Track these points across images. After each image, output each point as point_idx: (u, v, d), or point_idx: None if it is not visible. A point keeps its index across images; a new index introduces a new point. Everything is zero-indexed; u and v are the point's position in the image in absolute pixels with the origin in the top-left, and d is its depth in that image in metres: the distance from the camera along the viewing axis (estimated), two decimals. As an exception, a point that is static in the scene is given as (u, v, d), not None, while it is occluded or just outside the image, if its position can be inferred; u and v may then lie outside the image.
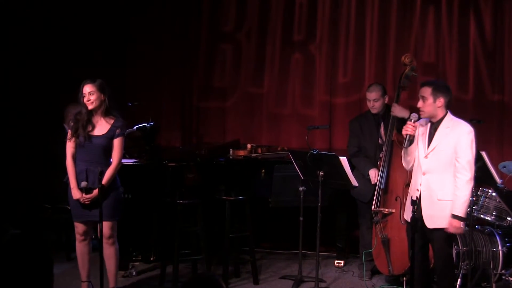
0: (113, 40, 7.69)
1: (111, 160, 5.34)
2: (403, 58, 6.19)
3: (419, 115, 4.95)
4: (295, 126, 7.39)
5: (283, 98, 7.49)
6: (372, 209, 5.98)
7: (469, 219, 5.65)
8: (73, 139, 5.29)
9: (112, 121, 5.34)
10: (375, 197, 5.98)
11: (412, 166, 5.04)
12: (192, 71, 7.74)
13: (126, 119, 7.40)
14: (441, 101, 4.88)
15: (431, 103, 4.87)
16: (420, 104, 4.92)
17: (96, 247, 5.54)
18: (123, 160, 6.25)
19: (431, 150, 4.87)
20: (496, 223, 5.86)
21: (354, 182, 5.62)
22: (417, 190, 4.91)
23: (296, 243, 6.02)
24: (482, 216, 5.85)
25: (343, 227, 6.75)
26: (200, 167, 6.44)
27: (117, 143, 5.33)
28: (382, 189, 5.95)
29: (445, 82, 5.07)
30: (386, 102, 6.29)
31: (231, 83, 7.64)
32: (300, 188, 5.81)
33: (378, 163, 6.11)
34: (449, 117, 4.93)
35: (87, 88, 5.29)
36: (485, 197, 5.85)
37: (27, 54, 7.27)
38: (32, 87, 7.31)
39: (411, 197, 4.80)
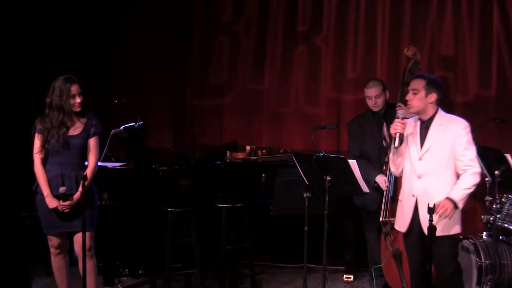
0: (98, 32, 7.65)
1: (85, 163, 5.34)
2: (405, 50, 6.24)
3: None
4: (299, 126, 7.37)
5: (286, 95, 7.47)
6: (380, 219, 5.96)
7: (493, 228, 5.61)
8: (43, 151, 5.26)
9: (85, 120, 5.34)
10: (383, 207, 5.97)
11: (402, 170, 5.05)
12: (185, 65, 7.73)
13: (111, 118, 7.45)
14: (433, 97, 4.91)
15: (422, 97, 4.91)
16: (409, 97, 4.95)
17: (74, 261, 5.53)
18: (108, 164, 6.26)
19: (426, 151, 4.91)
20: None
21: (365, 188, 5.56)
22: (413, 196, 4.93)
23: (301, 255, 5.98)
24: (506, 225, 5.83)
25: (352, 238, 6.74)
26: (194, 171, 6.42)
27: (93, 142, 5.34)
28: (390, 197, 5.93)
29: (438, 78, 5.11)
30: (387, 98, 6.28)
31: (228, 79, 7.62)
32: (305, 195, 5.76)
33: (384, 168, 6.07)
34: (441, 113, 4.97)
35: (76, 89, 5.28)
36: (510, 204, 5.83)
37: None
38: (9, 88, 7.26)
39: (428, 204, 4.75)
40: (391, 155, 5.09)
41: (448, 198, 4.79)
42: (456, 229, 4.95)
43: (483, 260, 5.62)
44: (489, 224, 5.82)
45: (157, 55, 7.70)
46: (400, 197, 5.14)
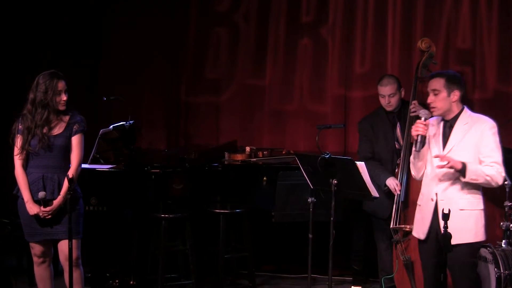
0: (84, 23, 7.69)
1: (69, 165, 5.34)
2: (419, 43, 6.24)
3: (429, 112, 4.99)
4: (303, 125, 7.39)
5: (289, 92, 7.49)
6: (391, 226, 5.98)
7: (510, 236, 5.65)
8: (24, 152, 5.28)
9: (67, 118, 5.34)
10: (393, 212, 5.98)
11: (423, 174, 5.06)
12: (179, 59, 7.75)
13: (100, 117, 7.50)
14: (456, 94, 4.91)
15: (444, 97, 4.91)
16: (431, 99, 4.95)
17: (60, 271, 5.54)
18: (96, 166, 6.27)
19: (448, 152, 4.90)
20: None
21: (374, 193, 5.59)
22: (432, 200, 4.94)
23: (305, 265, 5.99)
24: (527, 233, 5.85)
25: (360, 246, 6.76)
26: (189, 174, 6.45)
27: (76, 141, 5.33)
28: (402, 202, 5.96)
29: (457, 73, 5.12)
30: (402, 96, 6.30)
31: (226, 74, 7.64)
32: (309, 200, 5.78)
33: (396, 171, 6.11)
34: (467, 112, 4.97)
35: (62, 85, 5.29)
36: (531, 209, 5.85)
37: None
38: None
39: (442, 209, 4.79)
40: (411, 158, 5.07)
41: (463, 164, 4.77)
42: (478, 237, 4.94)
43: (502, 271, 5.63)
44: (509, 231, 5.84)
45: (148, 48, 7.72)
46: (419, 202, 5.12)
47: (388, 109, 6.31)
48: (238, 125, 7.58)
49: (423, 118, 4.92)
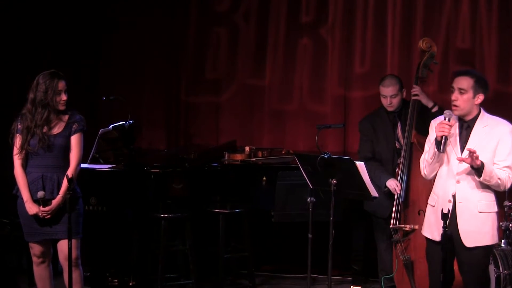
0: (85, 23, 7.69)
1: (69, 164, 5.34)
2: (420, 43, 6.23)
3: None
4: (302, 125, 7.40)
5: (289, 92, 7.49)
6: (391, 226, 5.98)
7: (510, 236, 5.65)
8: (23, 152, 5.29)
9: (66, 117, 5.35)
10: (394, 212, 5.98)
11: (435, 174, 5.02)
12: (179, 59, 7.75)
13: (100, 116, 7.50)
14: (480, 98, 4.86)
15: (469, 98, 4.84)
16: (455, 96, 4.85)
17: (59, 271, 5.54)
18: (96, 166, 6.27)
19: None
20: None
21: (374, 193, 5.60)
22: (449, 201, 4.89)
23: (304, 265, 5.99)
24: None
25: (360, 246, 6.77)
26: (188, 174, 6.45)
27: (75, 140, 5.33)
28: (402, 202, 5.96)
29: (484, 76, 5.07)
30: (404, 97, 6.31)
31: (226, 74, 7.65)
32: (309, 199, 5.79)
33: (396, 170, 6.11)
34: (485, 114, 4.93)
35: (63, 85, 5.30)
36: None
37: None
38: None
39: (442, 210, 4.78)
40: (428, 158, 4.96)
41: (483, 163, 4.72)
42: (494, 239, 4.94)
43: (501, 270, 5.64)
44: (508, 231, 5.84)
45: (148, 48, 7.73)
46: (431, 202, 5.07)
47: (390, 109, 6.31)
48: (238, 125, 7.59)
49: (447, 119, 4.84)
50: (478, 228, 4.81)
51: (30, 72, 5.59)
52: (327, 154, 5.56)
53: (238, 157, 6.87)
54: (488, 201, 4.87)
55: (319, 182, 5.65)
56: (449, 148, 4.92)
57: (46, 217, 5.26)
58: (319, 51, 7.39)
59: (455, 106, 4.86)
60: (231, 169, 6.72)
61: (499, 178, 4.79)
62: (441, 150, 4.83)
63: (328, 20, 7.33)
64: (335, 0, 7.29)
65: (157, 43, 7.73)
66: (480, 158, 4.74)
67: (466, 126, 4.90)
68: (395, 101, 6.27)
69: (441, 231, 4.81)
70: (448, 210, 4.79)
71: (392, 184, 6.07)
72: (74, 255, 5.24)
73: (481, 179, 4.77)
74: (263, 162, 6.83)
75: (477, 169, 4.74)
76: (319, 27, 7.39)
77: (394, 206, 5.99)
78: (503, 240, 5.85)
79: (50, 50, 7.49)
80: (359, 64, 7.29)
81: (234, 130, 7.55)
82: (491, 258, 5.70)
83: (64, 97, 5.28)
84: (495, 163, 4.82)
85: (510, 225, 5.80)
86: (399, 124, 6.30)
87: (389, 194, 6.11)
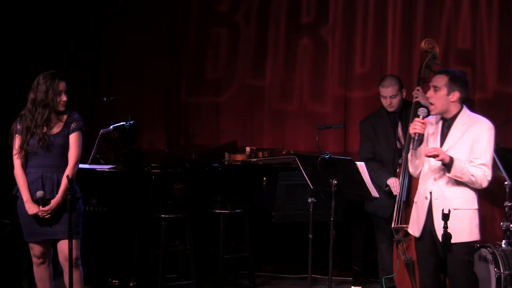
0: (84, 23, 7.69)
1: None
2: (422, 43, 6.23)
3: (428, 110, 5.00)
4: (303, 126, 7.40)
5: (289, 92, 7.49)
6: (392, 226, 5.98)
7: (510, 236, 5.65)
8: (22, 152, 5.29)
9: (65, 117, 5.36)
10: (395, 212, 5.98)
11: (421, 171, 5.08)
12: (180, 59, 7.75)
13: (100, 117, 7.50)
14: (455, 95, 4.92)
15: (443, 95, 4.92)
16: (430, 93, 4.97)
17: (59, 272, 5.54)
18: (96, 167, 6.27)
19: (445, 151, 4.91)
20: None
21: (374, 193, 5.60)
22: (426, 198, 4.97)
23: (305, 265, 6.00)
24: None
25: (360, 247, 6.77)
26: (189, 175, 6.45)
27: (73, 139, 5.33)
28: (403, 201, 5.96)
29: (464, 74, 5.12)
30: (404, 97, 6.31)
31: (226, 74, 7.65)
32: (309, 200, 5.79)
33: (398, 170, 6.11)
34: (465, 112, 4.98)
35: (63, 86, 5.31)
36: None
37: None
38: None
39: (442, 210, 4.80)
40: (409, 156, 5.10)
41: (451, 158, 4.79)
42: (473, 236, 4.97)
43: (502, 271, 5.64)
44: (509, 231, 5.85)
45: (149, 48, 7.72)
46: (415, 199, 5.16)
47: (390, 110, 6.31)
48: (238, 125, 7.58)
49: (421, 116, 4.94)
50: (454, 225, 4.76)
51: (30, 72, 5.59)
52: (327, 154, 5.56)
53: (239, 157, 6.88)
54: (465, 198, 4.89)
55: (319, 182, 5.65)
56: (431, 146, 4.97)
57: (45, 217, 5.27)
58: (319, 52, 7.39)
59: (431, 104, 4.96)
60: (231, 170, 6.73)
61: (472, 175, 4.83)
62: (414, 147, 4.93)
63: (328, 21, 7.33)
64: (335, 1, 7.28)
65: (158, 44, 7.73)
66: (456, 156, 4.82)
67: (447, 125, 4.98)
68: (395, 101, 6.27)
69: (421, 228, 4.95)
70: (449, 210, 4.80)
71: (393, 183, 6.07)
72: (74, 255, 5.24)
73: (451, 174, 4.83)
74: (263, 163, 6.84)
75: (446, 165, 4.81)
76: (319, 28, 7.39)
77: (396, 206, 5.99)
78: (503, 241, 5.87)
79: (50, 50, 7.48)
80: (359, 64, 7.29)
81: (235, 131, 7.55)
82: (491, 258, 5.72)
83: (64, 98, 5.30)
84: (471, 161, 4.87)
85: (511, 225, 5.80)
86: (399, 124, 6.31)
87: (390, 194, 6.12)
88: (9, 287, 6.42)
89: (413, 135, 4.92)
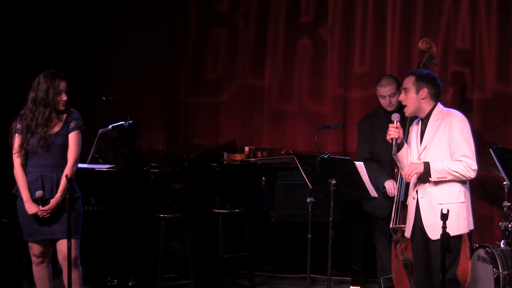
0: (83, 23, 7.69)
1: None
2: (419, 43, 6.25)
3: (402, 114, 5.08)
4: (302, 126, 7.39)
5: (288, 92, 7.49)
6: (391, 226, 5.99)
7: (511, 236, 5.65)
8: (22, 151, 5.29)
9: (64, 116, 5.36)
10: (393, 212, 5.99)
11: None
12: (179, 59, 7.75)
13: (99, 116, 7.50)
14: (424, 91, 5.00)
15: (413, 95, 5.00)
16: (401, 97, 5.07)
17: (58, 271, 5.54)
18: (95, 166, 6.27)
19: (423, 150, 5.01)
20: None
21: (373, 193, 5.60)
22: (414, 198, 5.05)
23: (304, 265, 6.00)
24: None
25: (359, 246, 6.77)
26: (188, 174, 6.45)
27: (72, 138, 5.33)
28: (401, 202, 5.97)
29: (432, 72, 5.17)
30: None
31: (225, 74, 7.64)
32: (308, 200, 5.79)
33: (396, 170, 6.12)
34: (438, 109, 5.04)
35: (64, 85, 5.32)
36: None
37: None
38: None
39: (441, 210, 4.80)
40: (395, 159, 5.18)
41: (426, 164, 4.87)
42: (460, 229, 4.99)
43: (500, 271, 5.64)
44: (507, 231, 5.85)
45: (149, 48, 7.72)
46: (407, 202, 5.23)
47: (389, 109, 6.30)
48: (238, 125, 7.58)
49: (395, 122, 5.02)
50: (439, 220, 4.80)
51: (30, 72, 5.59)
52: (326, 154, 5.57)
53: (238, 157, 6.88)
54: (450, 192, 4.94)
55: (318, 182, 5.66)
56: (413, 147, 5.07)
57: (45, 216, 5.27)
58: (318, 51, 7.39)
59: (404, 105, 5.06)
60: (230, 169, 6.73)
61: (454, 171, 4.89)
62: (393, 153, 5.04)
63: (327, 21, 7.33)
64: (334, 1, 7.28)
65: (157, 43, 7.73)
66: (436, 153, 4.92)
67: (423, 124, 5.06)
68: (394, 100, 6.27)
69: (410, 228, 5.05)
70: (448, 210, 4.81)
71: (390, 186, 6.08)
72: (73, 255, 5.24)
73: (433, 178, 4.90)
74: (262, 162, 6.84)
75: (425, 173, 4.89)
76: (318, 28, 7.39)
77: (394, 206, 6.00)
78: (502, 241, 5.87)
79: (50, 50, 7.48)
80: (358, 64, 7.29)
81: (234, 130, 7.55)
82: (489, 259, 5.71)
83: (64, 97, 5.30)
84: (452, 155, 4.91)
85: (509, 225, 5.80)
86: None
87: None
88: (9, 286, 6.41)
89: (390, 141, 5.02)
